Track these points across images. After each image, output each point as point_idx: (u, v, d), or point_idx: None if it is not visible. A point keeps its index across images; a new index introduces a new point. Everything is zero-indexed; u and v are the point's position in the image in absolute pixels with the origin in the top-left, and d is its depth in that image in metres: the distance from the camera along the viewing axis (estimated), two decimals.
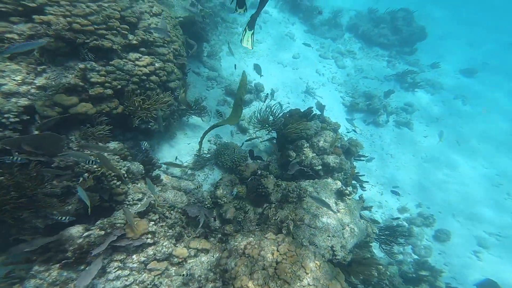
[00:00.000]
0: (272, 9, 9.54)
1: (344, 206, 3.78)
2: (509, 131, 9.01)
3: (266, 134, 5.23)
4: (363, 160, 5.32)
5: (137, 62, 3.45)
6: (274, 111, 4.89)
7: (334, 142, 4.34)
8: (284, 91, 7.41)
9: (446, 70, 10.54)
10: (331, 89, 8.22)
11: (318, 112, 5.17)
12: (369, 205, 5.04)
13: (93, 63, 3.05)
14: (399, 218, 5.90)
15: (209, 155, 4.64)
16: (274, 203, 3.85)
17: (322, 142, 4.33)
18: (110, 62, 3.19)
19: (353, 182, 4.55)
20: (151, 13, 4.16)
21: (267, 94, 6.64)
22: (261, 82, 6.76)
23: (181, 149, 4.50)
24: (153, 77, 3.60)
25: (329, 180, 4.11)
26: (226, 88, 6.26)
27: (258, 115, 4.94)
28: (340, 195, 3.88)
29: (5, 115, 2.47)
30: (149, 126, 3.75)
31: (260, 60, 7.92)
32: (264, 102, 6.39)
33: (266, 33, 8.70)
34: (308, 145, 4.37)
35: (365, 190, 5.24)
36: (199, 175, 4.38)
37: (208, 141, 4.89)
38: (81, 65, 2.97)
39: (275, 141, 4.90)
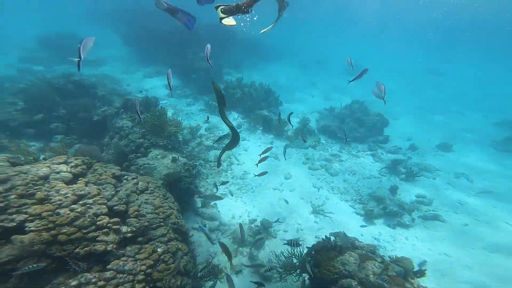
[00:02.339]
0: (244, 132, 10.36)
1: None
2: None
3: (295, 281, 4.81)
4: (420, 276, 4.61)
5: (137, 256, 3.15)
6: (295, 251, 4.72)
7: (386, 270, 3.94)
8: (291, 217, 7.03)
9: (424, 149, 11.70)
10: (337, 201, 7.99)
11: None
12: None
13: (87, 274, 2.77)
14: None
15: None
16: None
17: (372, 276, 3.84)
18: (108, 267, 2.92)
19: None
20: (138, 191, 3.95)
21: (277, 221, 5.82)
22: (266, 218, 6.62)
23: None
24: (161, 266, 3.27)
25: None
26: (232, 236, 6.02)
27: (279, 260, 4.85)
28: None
29: None
30: None
31: (255, 192, 7.62)
32: (275, 237, 6.26)
33: (250, 160, 8.80)
34: (356, 283, 3.81)
35: None
36: None
37: None
38: (74, 282, 2.66)
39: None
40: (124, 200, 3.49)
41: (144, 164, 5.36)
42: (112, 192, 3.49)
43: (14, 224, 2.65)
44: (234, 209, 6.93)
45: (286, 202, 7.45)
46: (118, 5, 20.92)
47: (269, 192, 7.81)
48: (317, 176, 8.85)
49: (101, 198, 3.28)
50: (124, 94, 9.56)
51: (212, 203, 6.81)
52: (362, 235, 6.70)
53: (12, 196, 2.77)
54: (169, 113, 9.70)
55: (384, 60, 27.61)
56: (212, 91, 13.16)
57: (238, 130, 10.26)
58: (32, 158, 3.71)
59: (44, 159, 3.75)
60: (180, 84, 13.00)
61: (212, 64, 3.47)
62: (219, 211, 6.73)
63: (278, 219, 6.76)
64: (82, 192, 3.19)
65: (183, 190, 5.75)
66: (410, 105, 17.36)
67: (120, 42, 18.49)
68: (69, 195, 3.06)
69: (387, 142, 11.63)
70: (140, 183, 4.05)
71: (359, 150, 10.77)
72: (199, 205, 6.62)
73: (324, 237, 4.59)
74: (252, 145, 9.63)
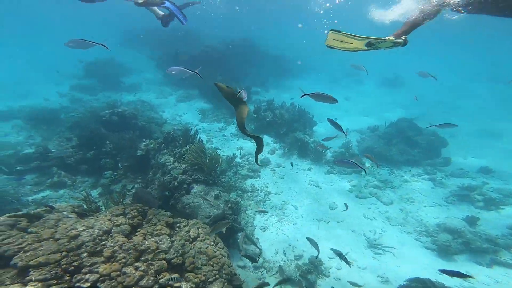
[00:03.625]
0: (278, 158, 10.20)
1: None
2: None
3: None
4: None
5: None
6: None
7: None
8: (346, 254, 6.37)
9: (502, 173, 10.24)
10: (396, 233, 7.38)
11: None
12: None
13: None
14: None
15: None
16: None
17: None
18: None
19: None
20: (191, 239, 4.15)
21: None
22: (313, 253, 6.29)
23: None
24: None
25: None
26: (278, 273, 5.85)
27: None
28: None
29: None
30: None
31: (298, 224, 7.47)
32: (328, 276, 5.90)
33: (288, 189, 8.73)
34: None
35: None
36: None
37: None
38: None
39: None
40: (180, 251, 3.66)
41: (189, 203, 5.60)
42: (169, 244, 3.67)
43: (88, 284, 2.89)
44: (276, 244, 6.80)
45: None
46: (150, 30, 22.92)
47: (313, 225, 7.54)
48: (367, 205, 8.38)
49: (160, 252, 3.47)
50: (161, 123, 10.26)
51: (255, 238, 6.85)
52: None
53: (84, 255, 3.04)
54: (203, 138, 10.22)
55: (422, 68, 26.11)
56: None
57: (273, 155, 10.33)
58: (93, 206, 4.07)
59: (101, 207, 4.12)
60: (211, 107, 13.61)
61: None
62: (261, 246, 6.66)
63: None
64: (143, 247, 3.40)
65: (227, 229, 5.88)
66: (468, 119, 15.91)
67: (153, 65, 20.10)
68: (131, 251, 3.29)
69: (449, 164, 10.62)
70: (191, 230, 4.24)
71: (413, 175, 10.06)
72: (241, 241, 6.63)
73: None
74: (288, 173, 9.56)
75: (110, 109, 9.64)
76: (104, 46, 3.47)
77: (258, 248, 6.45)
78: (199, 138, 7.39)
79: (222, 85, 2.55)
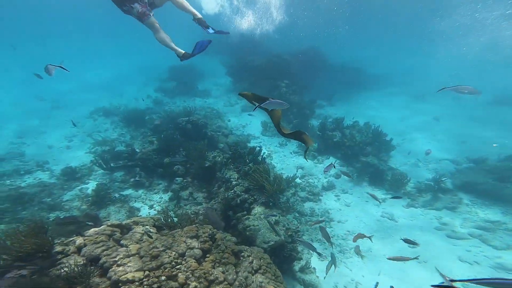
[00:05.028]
0: (345, 183, 9.40)
1: None
2: None
3: None
4: None
5: None
6: None
7: None
8: None
9: None
10: None
11: None
12: None
13: None
14: None
15: None
16: None
17: None
18: None
19: None
20: (253, 271, 4.16)
21: None
22: None
23: None
24: None
25: None
26: None
27: None
28: None
29: None
30: None
31: (368, 262, 6.65)
32: None
33: (355, 218, 7.99)
34: None
35: None
36: None
37: None
38: None
39: None
40: (243, 284, 3.68)
41: (250, 225, 5.63)
42: (234, 276, 3.73)
43: None
44: (336, 277, 6.13)
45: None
46: (223, 38, 24.65)
47: (383, 260, 6.60)
48: (465, 247, 6.98)
49: (226, 285, 3.52)
50: (227, 134, 10.78)
51: (311, 267, 6.49)
52: None
53: (163, 278, 3.28)
54: (264, 151, 10.29)
55: None
56: (306, 130, 13.02)
57: (338, 179, 9.64)
58: (170, 220, 4.42)
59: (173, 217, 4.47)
60: None
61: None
62: (317, 277, 6.23)
63: None
64: (212, 277, 3.50)
65: (285, 257, 5.71)
66: None
67: (223, 71, 21.51)
68: (202, 280, 3.42)
69: None
70: (254, 261, 4.22)
71: None
72: (297, 268, 6.38)
73: None
74: (356, 201, 8.76)
75: (186, 116, 10.67)
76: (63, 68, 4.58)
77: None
78: (263, 156, 7.43)
79: (246, 93, 2.59)
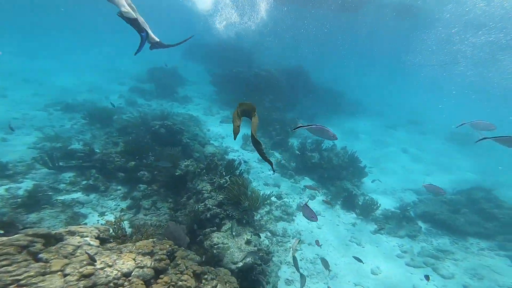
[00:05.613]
0: (318, 205, 9.40)
1: None
2: None
3: None
4: None
5: None
6: None
7: None
8: None
9: None
10: None
11: None
12: None
13: None
14: None
15: None
16: None
17: None
18: None
19: None
20: None
21: None
22: None
23: None
24: None
25: None
26: None
27: None
28: None
29: None
30: None
31: (330, 285, 6.46)
32: None
33: (325, 241, 7.84)
34: None
35: None
36: None
37: None
38: None
39: None
40: None
41: (219, 243, 5.13)
42: None
43: None
44: None
45: None
46: (211, 47, 24.60)
47: (349, 287, 6.54)
48: (420, 276, 7.14)
49: None
50: (204, 143, 10.27)
51: None
52: None
53: None
54: (242, 167, 9.89)
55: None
56: (286, 148, 12.87)
57: (312, 201, 9.49)
58: (120, 231, 3.81)
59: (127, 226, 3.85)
60: None
61: None
62: None
63: None
64: None
65: (252, 281, 5.21)
66: None
67: (207, 80, 21.12)
68: None
69: None
70: (218, 286, 3.71)
71: (482, 248, 8.49)
72: None
73: None
74: (328, 223, 8.60)
75: (161, 120, 10.03)
76: None
77: None
78: (242, 170, 7.06)
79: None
